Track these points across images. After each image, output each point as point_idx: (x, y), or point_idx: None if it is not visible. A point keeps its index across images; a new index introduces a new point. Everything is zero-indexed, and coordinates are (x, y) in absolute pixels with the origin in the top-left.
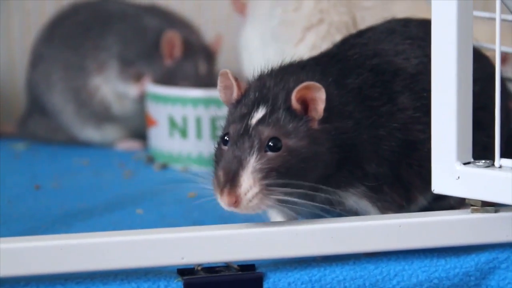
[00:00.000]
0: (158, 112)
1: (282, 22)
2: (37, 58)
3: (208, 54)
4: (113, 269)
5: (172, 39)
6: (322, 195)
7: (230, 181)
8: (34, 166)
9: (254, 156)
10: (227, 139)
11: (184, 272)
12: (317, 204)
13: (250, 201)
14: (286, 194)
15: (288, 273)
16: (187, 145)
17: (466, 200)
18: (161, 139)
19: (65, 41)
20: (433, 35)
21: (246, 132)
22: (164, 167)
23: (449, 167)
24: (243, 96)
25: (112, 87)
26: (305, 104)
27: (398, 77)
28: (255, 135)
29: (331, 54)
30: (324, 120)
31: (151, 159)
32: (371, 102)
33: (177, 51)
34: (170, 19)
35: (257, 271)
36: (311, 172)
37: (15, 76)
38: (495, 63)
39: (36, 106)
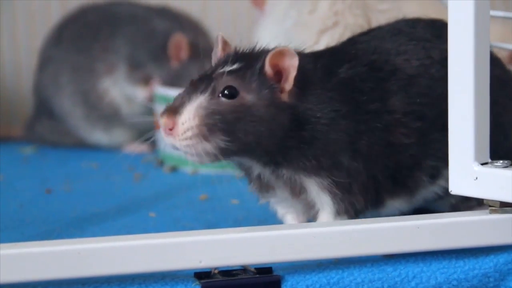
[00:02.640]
0: None
1: (297, 24)
2: (46, 60)
3: None
4: (130, 273)
5: (179, 42)
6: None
7: (174, 108)
8: (43, 170)
9: (205, 95)
10: None
11: (201, 275)
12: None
13: (185, 132)
14: (227, 148)
15: (306, 276)
16: None
17: (484, 201)
18: None
19: (74, 43)
20: (450, 34)
21: (208, 77)
22: (174, 169)
23: (467, 168)
24: (224, 56)
25: (120, 90)
26: (280, 75)
27: (394, 76)
28: (215, 80)
29: (332, 48)
30: (296, 96)
31: (160, 162)
32: (360, 96)
33: (184, 54)
34: (179, 22)
35: (274, 274)
36: (261, 137)
37: (21, 78)
38: (505, 63)
39: (44, 109)
